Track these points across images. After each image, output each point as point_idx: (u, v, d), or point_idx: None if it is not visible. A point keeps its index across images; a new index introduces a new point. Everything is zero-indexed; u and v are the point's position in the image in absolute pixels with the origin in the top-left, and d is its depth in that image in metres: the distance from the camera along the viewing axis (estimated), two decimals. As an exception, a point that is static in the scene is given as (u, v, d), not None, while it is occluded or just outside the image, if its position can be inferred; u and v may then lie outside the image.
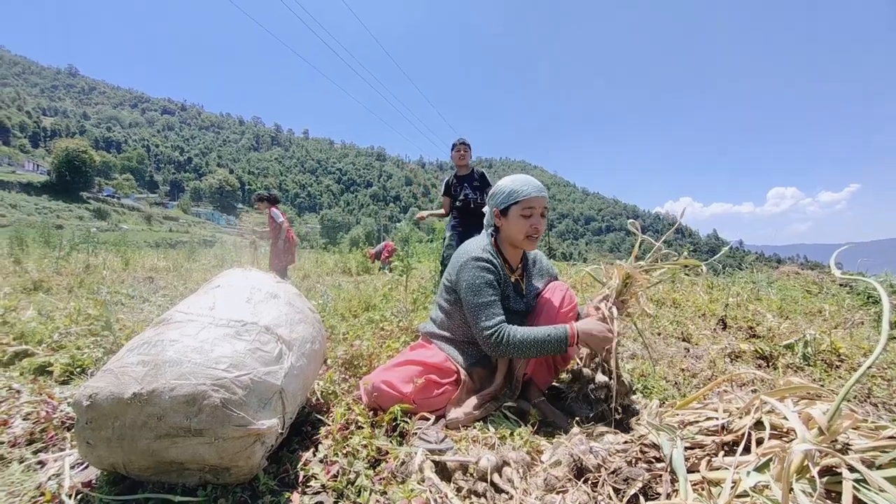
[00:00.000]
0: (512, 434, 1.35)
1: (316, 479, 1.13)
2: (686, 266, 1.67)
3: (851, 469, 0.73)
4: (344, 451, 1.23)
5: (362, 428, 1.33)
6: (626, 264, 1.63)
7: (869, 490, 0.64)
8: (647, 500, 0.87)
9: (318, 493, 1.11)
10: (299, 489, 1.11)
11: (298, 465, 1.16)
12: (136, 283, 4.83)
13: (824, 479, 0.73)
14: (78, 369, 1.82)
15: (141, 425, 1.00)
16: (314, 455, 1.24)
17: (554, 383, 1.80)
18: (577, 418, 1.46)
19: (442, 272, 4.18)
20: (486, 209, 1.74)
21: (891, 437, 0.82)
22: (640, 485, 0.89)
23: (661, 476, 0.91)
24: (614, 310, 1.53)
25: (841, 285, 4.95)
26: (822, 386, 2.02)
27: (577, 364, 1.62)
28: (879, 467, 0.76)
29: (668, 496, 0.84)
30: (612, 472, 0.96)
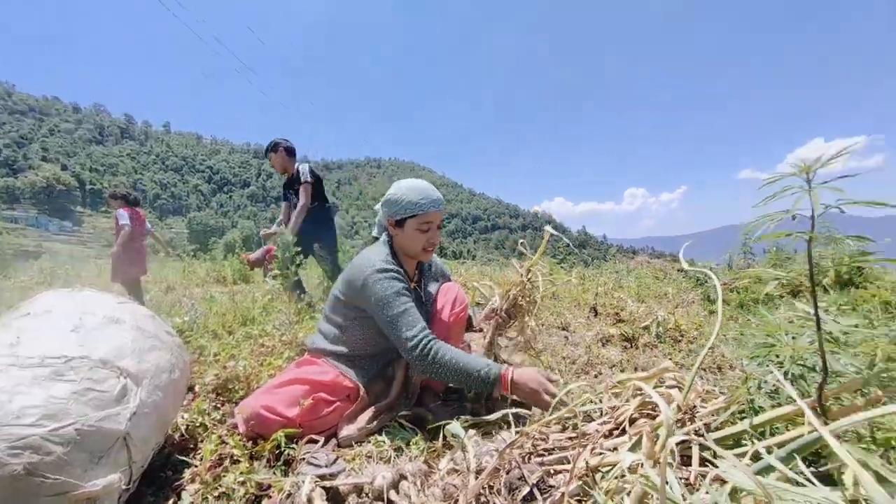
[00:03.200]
0: (408, 444, 1.30)
1: (178, 537, 0.94)
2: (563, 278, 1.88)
3: (699, 434, 0.84)
4: (215, 494, 1.05)
5: (239, 462, 1.15)
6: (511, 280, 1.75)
7: (707, 452, 0.72)
8: (541, 493, 0.90)
9: (178, 555, 0.92)
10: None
11: (153, 525, 0.95)
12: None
13: (679, 447, 0.84)
14: None
15: None
16: (175, 506, 1.03)
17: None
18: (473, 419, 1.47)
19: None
20: (377, 210, 1.66)
21: (723, 402, 0.98)
22: (534, 480, 0.92)
23: (553, 470, 0.95)
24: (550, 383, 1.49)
25: (679, 270, 6.01)
26: (671, 359, 2.39)
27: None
28: (716, 429, 0.89)
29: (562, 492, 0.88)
30: (507, 472, 0.97)
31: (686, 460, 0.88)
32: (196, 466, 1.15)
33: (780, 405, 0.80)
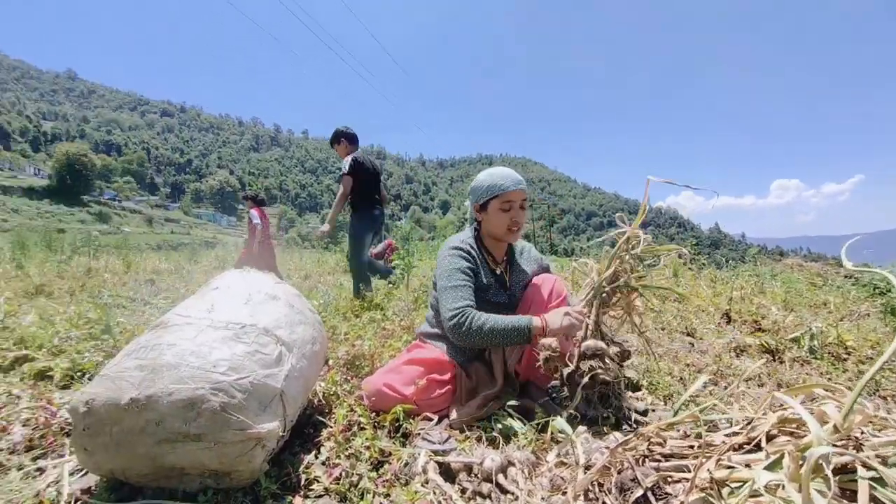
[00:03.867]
0: (517, 433, 1.33)
1: (318, 482, 1.12)
2: (670, 252, 1.59)
3: (867, 467, 0.71)
4: (346, 454, 1.21)
5: (365, 429, 1.31)
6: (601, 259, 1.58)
7: (885, 489, 0.62)
8: (656, 500, 0.85)
9: (320, 496, 1.09)
10: (301, 492, 1.10)
11: (300, 468, 1.15)
12: (138, 285, 4.82)
13: (838, 478, 0.72)
14: (78, 374, 1.81)
15: (139, 431, 0.98)
16: (316, 457, 1.22)
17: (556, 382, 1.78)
18: (581, 416, 1.44)
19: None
20: (467, 203, 1.74)
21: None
22: (649, 483, 0.87)
23: (670, 476, 0.89)
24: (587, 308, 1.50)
25: (846, 276, 4.92)
26: (829, 380, 2.00)
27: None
28: (894, 465, 0.74)
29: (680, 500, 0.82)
30: (619, 472, 0.94)
31: (849, 496, 0.75)
32: (331, 428, 1.35)
33: None
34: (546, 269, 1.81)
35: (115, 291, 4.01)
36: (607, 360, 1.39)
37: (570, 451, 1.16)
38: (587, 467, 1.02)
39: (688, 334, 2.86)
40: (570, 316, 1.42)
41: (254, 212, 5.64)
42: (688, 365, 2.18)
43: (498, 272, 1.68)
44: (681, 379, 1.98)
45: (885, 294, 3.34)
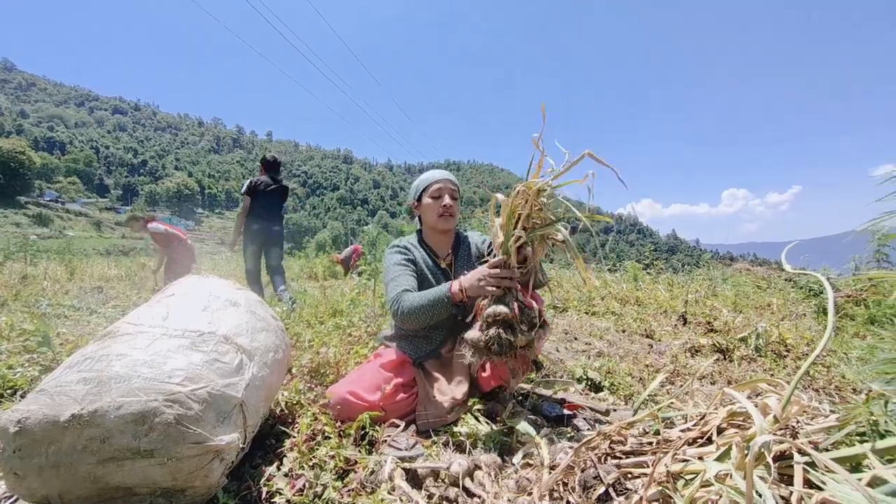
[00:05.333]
0: (483, 437, 1.34)
1: (280, 494, 1.07)
2: (594, 221, 1.36)
3: (802, 452, 0.76)
4: (310, 464, 1.17)
5: (329, 438, 1.28)
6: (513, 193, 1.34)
7: (817, 471, 0.67)
8: (618, 495, 0.88)
9: (282, 509, 1.06)
10: (262, 506, 1.05)
11: (262, 481, 1.10)
12: (83, 293, 4.50)
13: (777, 464, 0.77)
14: (9, 391, 1.66)
15: (81, 450, 0.91)
16: (278, 469, 1.18)
17: (524, 385, 1.81)
18: (546, 418, 1.47)
19: None
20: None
21: (834, 421, 0.87)
22: (610, 480, 0.90)
23: (630, 473, 0.92)
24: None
25: (786, 280, 5.29)
26: (771, 375, 2.14)
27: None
28: (825, 450, 0.80)
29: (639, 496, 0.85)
30: (583, 471, 0.96)
31: (787, 480, 0.81)
32: (294, 438, 1.30)
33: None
34: (488, 251, 1.79)
35: (56, 300, 3.73)
36: (514, 327, 1.30)
37: (536, 453, 1.18)
38: (552, 467, 1.04)
39: (647, 336, 2.98)
40: (483, 274, 1.35)
41: (154, 224, 5.37)
42: (647, 365, 2.27)
43: (442, 266, 1.75)
44: (640, 379, 2.06)
45: (818, 295, 3.63)
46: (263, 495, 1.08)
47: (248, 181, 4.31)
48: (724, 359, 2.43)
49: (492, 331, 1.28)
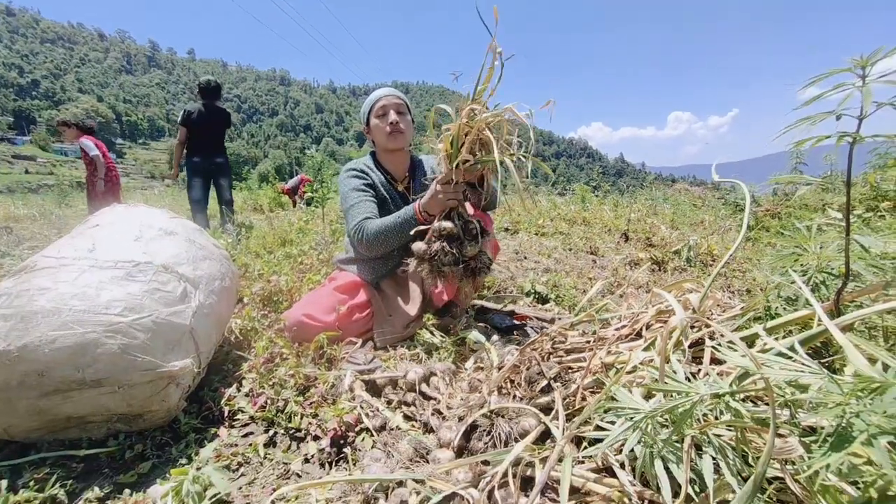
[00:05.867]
0: (437, 348, 1.42)
1: (243, 412, 1.11)
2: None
3: (712, 338, 0.88)
4: (270, 383, 1.21)
5: (287, 359, 1.31)
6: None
7: (721, 350, 0.76)
8: (559, 386, 0.99)
9: (246, 424, 1.10)
10: (226, 423, 1.09)
11: (222, 402, 1.13)
12: (-11, 235, 4.03)
13: (692, 350, 0.89)
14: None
15: (17, 385, 0.88)
16: (238, 390, 1.20)
17: (475, 301, 1.90)
18: (496, 328, 1.58)
19: None
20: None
21: (739, 311, 1.00)
22: (552, 374, 1.00)
23: (570, 367, 1.03)
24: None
25: (718, 199, 5.73)
26: (698, 280, 2.40)
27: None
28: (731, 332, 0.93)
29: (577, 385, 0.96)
30: (528, 369, 1.06)
31: (700, 362, 0.94)
32: (252, 361, 1.32)
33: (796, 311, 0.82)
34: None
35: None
36: (461, 240, 1.36)
37: (486, 357, 1.28)
38: (500, 367, 1.13)
39: (591, 253, 3.18)
40: (435, 189, 1.37)
41: (86, 141, 4.30)
42: (590, 279, 2.45)
43: (400, 189, 1.72)
44: (584, 291, 2.23)
45: (743, 211, 3.98)
46: (225, 414, 1.11)
47: (183, 110, 3.99)
48: (659, 270, 2.66)
49: (437, 244, 1.32)
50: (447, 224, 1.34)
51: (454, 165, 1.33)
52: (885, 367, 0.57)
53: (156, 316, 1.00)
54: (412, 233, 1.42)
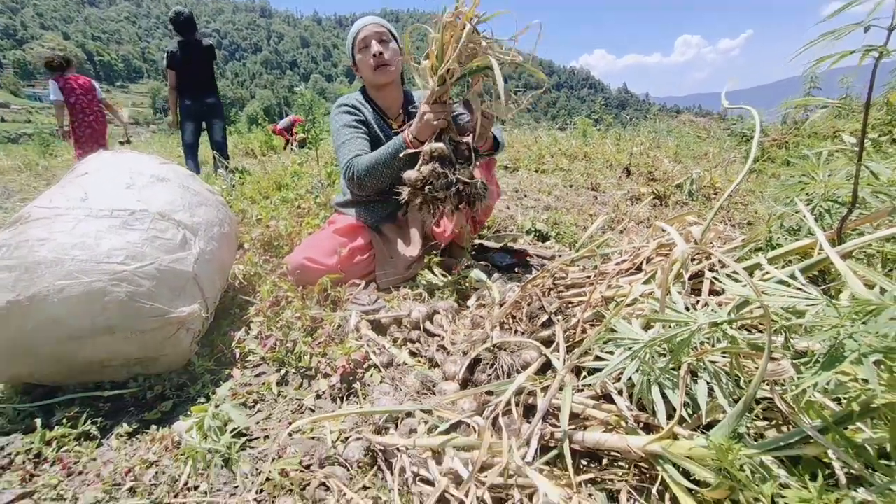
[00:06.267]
0: (440, 287, 1.45)
1: (254, 353, 1.15)
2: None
3: (712, 270, 0.89)
4: (278, 325, 1.24)
5: (293, 302, 1.33)
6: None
7: (720, 280, 0.77)
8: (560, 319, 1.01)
9: (257, 365, 1.15)
10: (238, 365, 1.14)
11: (233, 344, 1.16)
12: (-24, 188, 3.95)
13: (692, 282, 0.90)
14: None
15: (33, 332, 0.90)
16: (247, 333, 1.24)
17: (476, 242, 1.90)
18: (497, 266, 1.59)
19: None
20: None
21: (741, 242, 1.00)
22: (553, 309, 1.03)
23: (570, 302, 1.05)
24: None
25: (724, 130, 5.55)
26: (700, 215, 2.39)
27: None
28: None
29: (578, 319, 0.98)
30: (529, 304, 1.09)
31: (699, 294, 0.95)
32: (258, 305, 1.35)
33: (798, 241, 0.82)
34: None
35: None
36: (452, 162, 1.32)
37: (488, 295, 1.30)
38: (501, 304, 1.16)
39: (592, 189, 3.13)
40: (423, 110, 1.32)
41: (51, 82, 3.91)
42: (591, 215, 2.44)
43: (395, 127, 1.64)
44: (584, 228, 2.23)
45: (750, 141, 3.87)
46: (237, 356, 1.15)
47: (166, 52, 3.81)
48: (661, 204, 2.64)
49: (429, 166, 1.28)
50: (438, 144, 1.29)
51: (440, 81, 1.26)
52: (882, 291, 0.58)
53: (158, 263, 1.00)
54: (403, 158, 1.36)
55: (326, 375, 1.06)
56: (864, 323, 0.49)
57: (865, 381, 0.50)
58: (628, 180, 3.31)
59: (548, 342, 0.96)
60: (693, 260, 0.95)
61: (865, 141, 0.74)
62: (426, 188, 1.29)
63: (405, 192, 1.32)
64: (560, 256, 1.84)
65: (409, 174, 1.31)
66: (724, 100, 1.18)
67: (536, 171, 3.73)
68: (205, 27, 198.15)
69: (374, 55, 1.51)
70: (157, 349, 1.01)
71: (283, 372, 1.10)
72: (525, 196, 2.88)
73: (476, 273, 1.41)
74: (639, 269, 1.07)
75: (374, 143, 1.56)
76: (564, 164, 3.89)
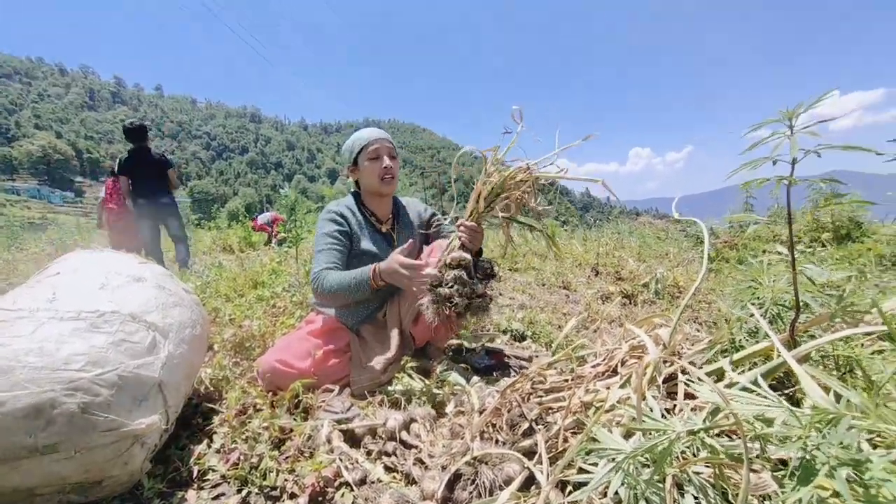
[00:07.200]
0: (417, 392, 1.40)
1: (214, 471, 1.05)
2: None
3: (684, 372, 0.92)
4: (243, 437, 1.15)
5: (261, 410, 1.25)
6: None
7: (693, 386, 0.80)
8: (540, 429, 0.99)
9: (217, 485, 1.03)
10: (195, 486, 1.02)
11: (191, 461, 1.06)
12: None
13: (666, 385, 0.92)
14: None
15: (-39, 454, 0.80)
16: (209, 447, 1.13)
17: (452, 341, 1.89)
18: (474, 369, 1.57)
19: None
20: (346, 178, 1.78)
21: (706, 343, 1.05)
22: (533, 416, 1.01)
23: (550, 408, 1.04)
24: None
25: (681, 231, 6.04)
26: (666, 312, 2.49)
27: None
28: (700, 366, 0.97)
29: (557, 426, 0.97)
30: (509, 411, 1.06)
31: (674, 397, 0.97)
32: (223, 413, 1.25)
33: (758, 343, 0.87)
34: (428, 221, 1.85)
35: None
36: (472, 272, 1.42)
37: (467, 401, 1.27)
38: (481, 411, 1.13)
39: (564, 288, 3.25)
40: (402, 263, 1.39)
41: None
42: (564, 314, 2.50)
43: (384, 230, 1.71)
44: (559, 327, 2.27)
45: (703, 243, 4.21)
46: (195, 474, 1.04)
47: (117, 160, 4.20)
48: (630, 303, 2.75)
49: (453, 272, 1.37)
50: (463, 254, 1.40)
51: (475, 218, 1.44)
52: (838, 398, 0.62)
53: (122, 369, 0.95)
54: (364, 288, 1.46)
55: (293, 496, 0.96)
56: (827, 432, 0.51)
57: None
58: (597, 279, 3.47)
59: (530, 452, 0.92)
60: (665, 362, 0.98)
61: (797, 249, 0.84)
62: (448, 289, 1.36)
63: (426, 300, 1.39)
64: (537, 357, 1.83)
65: (429, 271, 1.39)
66: (676, 211, 1.33)
67: (510, 270, 3.87)
68: (196, 129, 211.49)
69: (386, 167, 1.62)
70: (104, 470, 0.90)
71: (244, 493, 0.99)
72: (500, 294, 2.96)
73: (455, 377, 1.39)
74: (614, 372, 1.08)
75: (363, 252, 1.62)
76: (536, 263, 4.08)
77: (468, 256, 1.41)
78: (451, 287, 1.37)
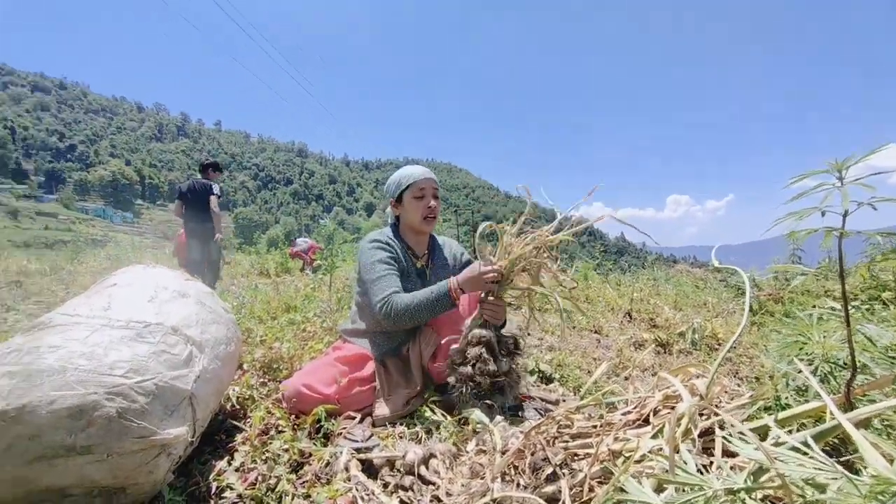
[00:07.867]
0: (438, 427, 1.37)
1: (231, 488, 1.05)
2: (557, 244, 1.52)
3: (722, 427, 0.86)
4: (263, 457, 1.15)
5: (283, 432, 1.26)
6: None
7: (733, 442, 0.75)
8: (564, 475, 0.94)
9: (233, 503, 1.03)
10: (211, 502, 1.02)
11: (211, 476, 1.07)
12: (-2, 288, 4.07)
13: (702, 439, 0.86)
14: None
15: (5, 450, 0.85)
16: (229, 464, 1.15)
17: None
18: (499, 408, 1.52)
19: None
20: (388, 211, 1.81)
21: (748, 399, 0.98)
22: (558, 461, 0.96)
23: (576, 454, 0.99)
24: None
25: (720, 281, 5.76)
26: (703, 364, 2.34)
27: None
28: (741, 422, 0.90)
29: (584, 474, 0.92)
30: (532, 454, 1.02)
31: (710, 453, 0.90)
32: (246, 432, 1.27)
33: (807, 402, 0.81)
34: (463, 264, 1.86)
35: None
36: (494, 350, 1.42)
37: (489, 440, 1.22)
38: (503, 452, 1.08)
39: (595, 332, 3.14)
40: (476, 268, 1.44)
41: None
42: (595, 359, 2.40)
43: (419, 266, 1.73)
44: (588, 371, 2.18)
45: (744, 293, 3.99)
46: (213, 490, 1.05)
47: (177, 188, 5.02)
48: (665, 352, 2.62)
49: (475, 349, 1.37)
50: (484, 331, 1.40)
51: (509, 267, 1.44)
52: (902, 468, 0.56)
53: (159, 379, 0.99)
54: (443, 303, 1.46)
55: (306, 524, 0.94)
56: None
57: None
58: (630, 325, 3.33)
59: (552, 499, 0.87)
60: (701, 415, 0.92)
61: (854, 306, 0.79)
62: (471, 368, 1.37)
63: (451, 378, 1.41)
64: (564, 401, 1.76)
65: (454, 351, 1.42)
66: (715, 259, 1.29)
67: (539, 310, 3.79)
68: (247, 161, 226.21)
69: (430, 207, 1.66)
70: (130, 476, 0.93)
71: (258, 515, 0.99)
72: (528, 334, 2.89)
73: (477, 415, 1.35)
74: (646, 422, 1.02)
75: (401, 278, 1.63)
76: (567, 305, 3.98)
77: (489, 333, 1.41)
78: (474, 366, 1.37)
